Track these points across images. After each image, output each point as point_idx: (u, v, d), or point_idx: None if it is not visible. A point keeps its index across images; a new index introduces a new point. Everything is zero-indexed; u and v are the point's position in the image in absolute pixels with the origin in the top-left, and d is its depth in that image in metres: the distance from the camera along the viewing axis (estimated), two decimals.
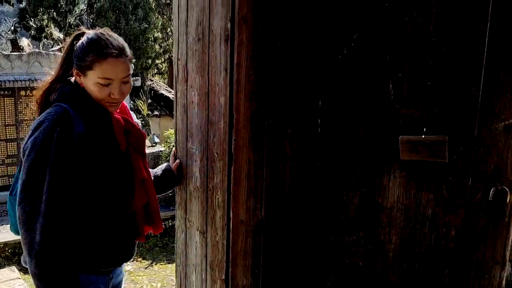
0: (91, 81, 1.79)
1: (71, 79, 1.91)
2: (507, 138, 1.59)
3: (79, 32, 1.88)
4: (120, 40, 1.87)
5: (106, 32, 1.88)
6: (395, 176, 1.73)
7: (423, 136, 1.65)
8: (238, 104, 1.85)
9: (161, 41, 13.35)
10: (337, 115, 1.77)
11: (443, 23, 1.61)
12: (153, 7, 12.79)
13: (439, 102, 1.64)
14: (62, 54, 1.91)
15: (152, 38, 12.65)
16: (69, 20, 13.19)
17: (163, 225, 2.19)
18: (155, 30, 12.72)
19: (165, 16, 13.41)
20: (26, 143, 1.72)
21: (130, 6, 12.10)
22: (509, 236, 1.66)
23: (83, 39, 1.82)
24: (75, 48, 1.83)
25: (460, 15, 1.59)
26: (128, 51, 1.88)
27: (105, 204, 1.86)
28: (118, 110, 1.95)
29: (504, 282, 1.75)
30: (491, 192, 1.63)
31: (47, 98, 1.85)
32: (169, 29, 13.30)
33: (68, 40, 1.89)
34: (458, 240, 1.69)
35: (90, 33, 1.84)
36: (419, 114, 1.66)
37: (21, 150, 1.75)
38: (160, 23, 12.97)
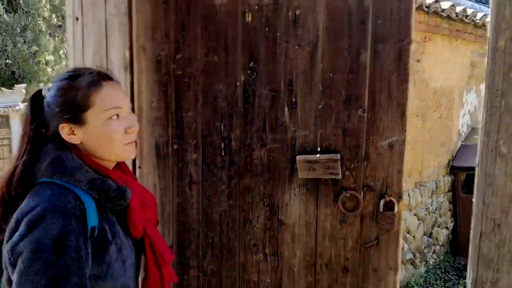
0: (98, 122, 1.24)
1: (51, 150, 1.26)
2: (391, 154, 1.76)
3: (37, 90, 1.34)
4: None
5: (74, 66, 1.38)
6: (295, 194, 1.83)
7: (317, 156, 1.78)
8: (141, 131, 1.86)
9: (53, 64, 12.73)
10: (239, 139, 1.84)
11: (330, 51, 1.75)
12: (43, 29, 12.19)
13: (330, 124, 1.77)
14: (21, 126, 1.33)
15: (44, 61, 12.03)
16: None
17: None
18: (46, 52, 12.12)
19: (56, 39, 12.83)
20: (15, 243, 1.13)
21: (18, 28, 11.43)
22: (400, 243, 1.83)
23: (55, 86, 1.27)
24: (45, 104, 1.27)
25: (344, 43, 1.75)
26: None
27: None
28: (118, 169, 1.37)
29: (398, 285, 1.91)
30: (381, 204, 1.78)
31: (22, 182, 1.23)
32: (61, 51, 12.72)
33: (26, 105, 1.32)
34: (356, 250, 1.83)
35: (56, 79, 1.32)
36: (313, 136, 1.79)
37: (5, 252, 1.16)
38: (52, 45, 12.38)
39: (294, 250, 1.87)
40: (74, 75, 1.27)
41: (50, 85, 1.31)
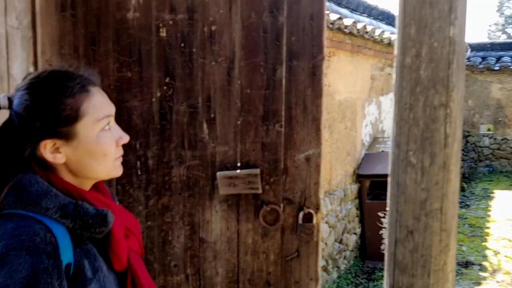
0: (90, 135, 1.04)
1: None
2: (308, 167, 1.81)
3: None
4: None
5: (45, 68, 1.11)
6: (216, 211, 1.81)
7: (238, 171, 1.77)
8: None
9: None
10: (157, 157, 1.79)
11: (246, 67, 1.77)
12: None
13: (249, 139, 1.78)
14: None
15: None
16: None
17: None
18: None
19: None
20: None
21: None
22: (319, 253, 1.87)
23: (30, 94, 1.01)
24: (14, 117, 1.01)
25: (260, 60, 1.77)
26: None
27: None
28: (93, 191, 1.14)
29: None
30: (300, 216, 1.82)
31: None
32: None
33: None
34: (277, 263, 1.84)
35: (27, 83, 1.03)
36: (233, 151, 1.78)
37: None
38: None
39: (216, 268, 1.84)
40: (57, 79, 1.03)
41: (13, 91, 1.04)
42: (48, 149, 1.01)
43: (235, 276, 1.85)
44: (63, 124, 1.00)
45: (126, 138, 1.10)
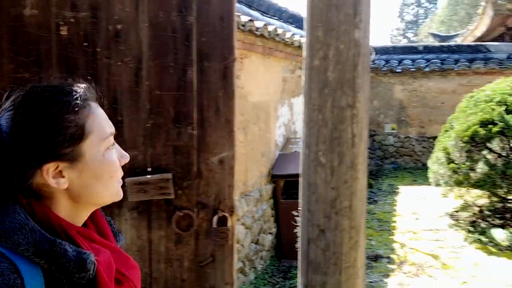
0: (96, 155, 0.92)
1: None
2: (222, 169, 1.78)
3: None
4: None
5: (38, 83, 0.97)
6: (126, 219, 1.73)
7: (148, 176, 1.71)
8: None
9: None
10: None
11: (155, 67, 1.71)
12: None
13: (160, 142, 1.72)
14: None
15: None
16: None
17: None
18: None
19: None
20: None
21: None
22: (235, 257, 1.85)
23: (24, 113, 0.88)
24: (6, 139, 0.86)
25: (170, 60, 1.72)
26: None
27: None
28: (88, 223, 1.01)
29: None
30: (214, 220, 1.79)
31: None
32: None
33: None
34: (192, 270, 1.80)
35: (17, 99, 0.90)
36: (143, 156, 1.71)
37: None
38: None
39: None
40: (55, 94, 0.90)
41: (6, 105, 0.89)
42: (50, 174, 0.88)
43: (147, 286, 1.77)
44: (68, 144, 0.88)
45: (127, 158, 0.99)
